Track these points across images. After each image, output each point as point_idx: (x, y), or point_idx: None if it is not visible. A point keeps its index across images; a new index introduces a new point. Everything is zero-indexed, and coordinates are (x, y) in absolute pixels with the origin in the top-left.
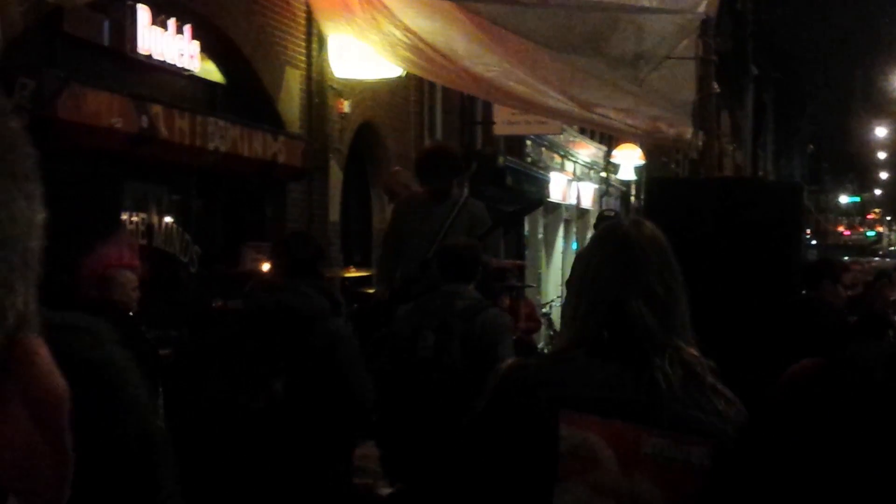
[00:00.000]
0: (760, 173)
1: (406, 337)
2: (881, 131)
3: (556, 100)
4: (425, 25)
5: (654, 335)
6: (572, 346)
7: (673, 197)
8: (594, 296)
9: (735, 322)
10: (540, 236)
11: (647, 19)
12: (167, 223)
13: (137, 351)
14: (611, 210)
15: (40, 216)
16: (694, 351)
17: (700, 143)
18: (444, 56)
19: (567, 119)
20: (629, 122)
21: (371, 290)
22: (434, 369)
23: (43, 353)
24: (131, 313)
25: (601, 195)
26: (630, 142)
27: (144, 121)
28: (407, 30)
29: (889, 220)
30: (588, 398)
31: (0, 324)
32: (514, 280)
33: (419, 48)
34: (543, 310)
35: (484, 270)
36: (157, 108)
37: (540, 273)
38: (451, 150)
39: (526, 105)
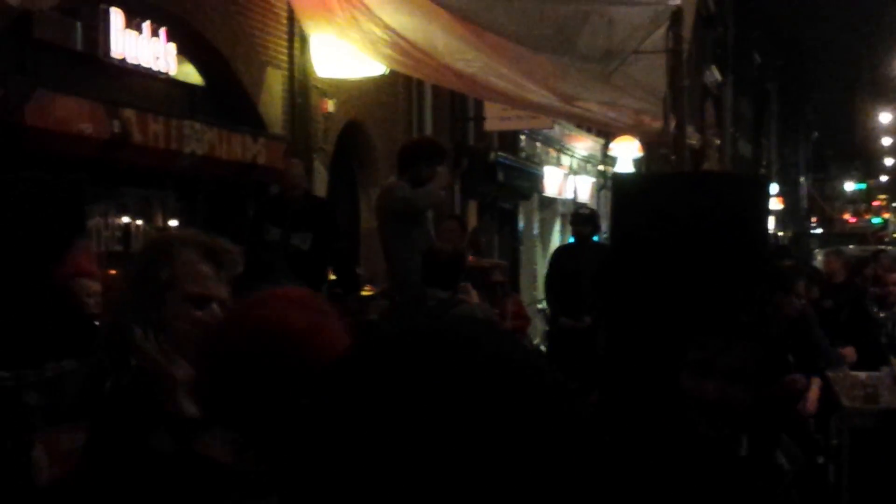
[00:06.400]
0: (764, 163)
1: None
2: (886, 117)
3: (537, 94)
4: (404, 22)
5: None
6: None
7: (638, 193)
8: None
9: (698, 318)
10: (535, 232)
11: (617, 11)
12: (145, 228)
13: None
14: (586, 207)
15: None
16: None
17: (681, 136)
18: (424, 52)
19: (549, 113)
20: (611, 115)
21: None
22: None
23: None
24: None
25: (599, 189)
26: (628, 134)
27: (116, 125)
28: (387, 27)
29: (895, 207)
30: None
31: None
32: (499, 276)
33: (400, 45)
34: (539, 305)
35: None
36: (129, 113)
37: (535, 269)
38: (421, 140)
39: (508, 100)
